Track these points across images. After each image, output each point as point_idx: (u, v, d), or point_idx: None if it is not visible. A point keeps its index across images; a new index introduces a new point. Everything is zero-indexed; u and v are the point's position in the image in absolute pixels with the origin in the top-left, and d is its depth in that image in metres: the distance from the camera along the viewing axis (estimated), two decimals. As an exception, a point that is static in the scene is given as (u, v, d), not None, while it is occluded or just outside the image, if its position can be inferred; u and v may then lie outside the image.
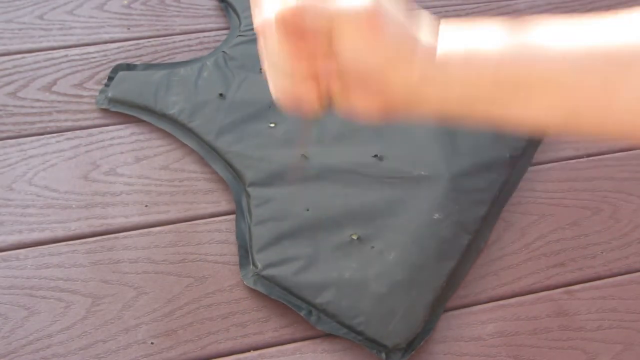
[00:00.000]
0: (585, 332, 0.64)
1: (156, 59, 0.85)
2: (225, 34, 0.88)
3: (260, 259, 0.66)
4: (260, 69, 0.82)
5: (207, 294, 0.65)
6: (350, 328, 0.62)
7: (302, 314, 0.63)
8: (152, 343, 0.62)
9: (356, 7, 0.41)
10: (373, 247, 0.67)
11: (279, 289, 0.64)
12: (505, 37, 0.42)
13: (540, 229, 0.72)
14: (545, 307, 0.66)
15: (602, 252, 0.71)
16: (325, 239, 0.67)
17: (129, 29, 0.88)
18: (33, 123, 0.77)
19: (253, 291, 0.65)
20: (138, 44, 0.87)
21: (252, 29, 0.86)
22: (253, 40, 0.85)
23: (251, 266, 0.66)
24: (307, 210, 0.69)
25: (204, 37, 0.88)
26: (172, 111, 0.77)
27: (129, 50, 0.85)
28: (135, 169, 0.74)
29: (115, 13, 0.90)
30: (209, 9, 0.92)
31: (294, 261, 0.66)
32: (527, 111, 0.43)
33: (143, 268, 0.67)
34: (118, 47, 0.86)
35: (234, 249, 0.68)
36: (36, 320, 0.63)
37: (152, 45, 0.86)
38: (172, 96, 0.78)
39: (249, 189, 0.71)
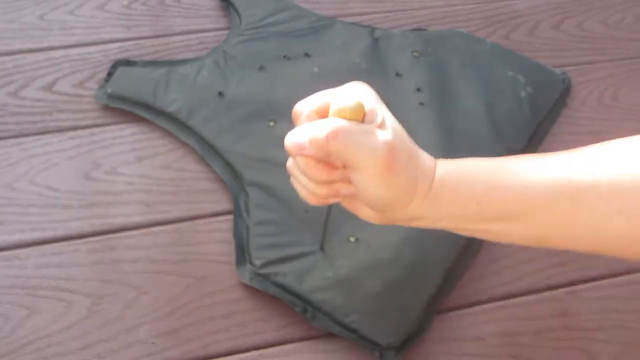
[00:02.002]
0: (586, 332, 0.65)
1: (156, 59, 0.85)
2: (225, 34, 0.88)
3: (258, 257, 0.66)
4: (260, 67, 0.82)
5: (208, 293, 0.65)
6: (344, 326, 0.63)
7: (297, 310, 0.63)
8: (153, 343, 0.62)
9: (377, 151, 0.49)
10: (370, 246, 0.67)
11: (274, 286, 0.65)
12: (487, 175, 0.52)
13: (540, 228, 0.72)
14: (546, 307, 0.66)
15: (602, 252, 0.71)
16: (323, 241, 0.67)
17: (129, 29, 0.88)
18: (34, 122, 0.77)
19: (253, 291, 0.65)
20: (138, 44, 0.86)
21: (253, 28, 0.86)
22: (253, 39, 0.85)
23: (248, 264, 0.66)
24: (306, 212, 0.69)
25: (204, 37, 0.88)
26: (171, 109, 0.77)
27: (129, 50, 0.85)
28: (137, 168, 0.74)
29: (116, 13, 0.90)
30: (209, 9, 0.92)
31: (291, 260, 0.66)
32: (506, 236, 0.53)
33: (144, 267, 0.66)
34: (118, 47, 0.86)
35: (234, 248, 0.68)
36: (37, 320, 0.62)
37: (152, 46, 0.86)
38: (171, 94, 0.78)
39: (248, 189, 0.71)
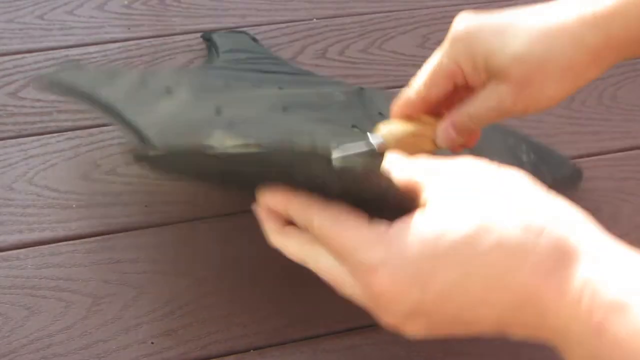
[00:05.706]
0: (585, 332, 0.64)
1: (157, 58, 0.85)
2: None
3: None
4: (225, 85, 0.75)
5: (207, 293, 0.65)
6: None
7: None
8: (152, 343, 0.62)
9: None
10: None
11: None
12: None
13: (540, 229, 0.72)
14: (545, 307, 0.66)
15: (602, 252, 0.70)
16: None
17: (129, 28, 0.88)
18: (33, 123, 0.77)
19: (253, 290, 0.65)
20: (138, 44, 0.87)
21: (228, 64, 0.81)
22: (226, 68, 0.80)
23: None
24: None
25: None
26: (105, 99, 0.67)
27: (130, 50, 0.86)
28: (136, 168, 0.74)
29: (116, 13, 0.90)
30: (209, 9, 0.92)
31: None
32: None
33: (143, 268, 0.67)
34: (118, 47, 0.86)
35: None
36: (36, 320, 0.63)
37: (153, 45, 0.87)
38: (112, 87, 0.69)
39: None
